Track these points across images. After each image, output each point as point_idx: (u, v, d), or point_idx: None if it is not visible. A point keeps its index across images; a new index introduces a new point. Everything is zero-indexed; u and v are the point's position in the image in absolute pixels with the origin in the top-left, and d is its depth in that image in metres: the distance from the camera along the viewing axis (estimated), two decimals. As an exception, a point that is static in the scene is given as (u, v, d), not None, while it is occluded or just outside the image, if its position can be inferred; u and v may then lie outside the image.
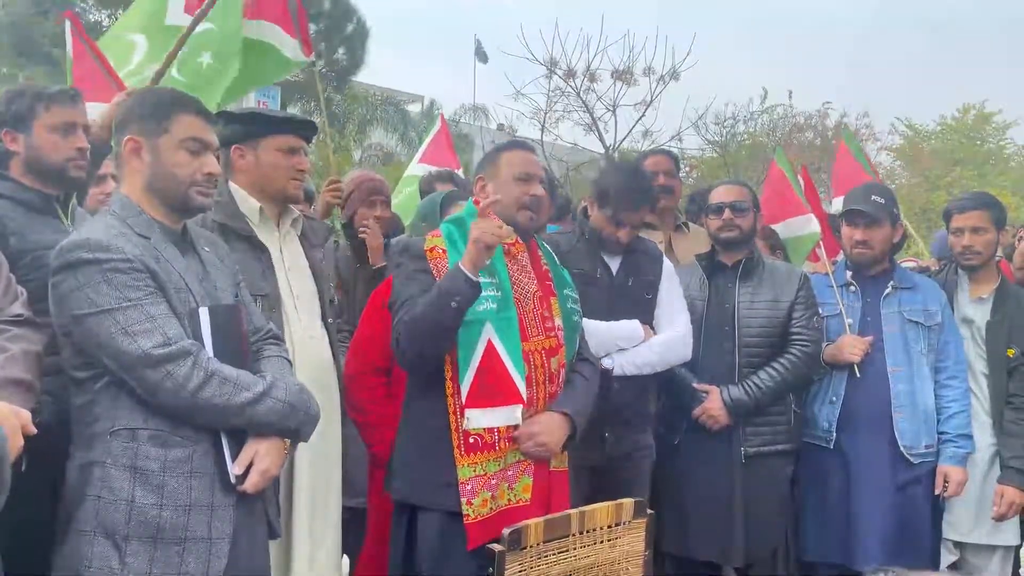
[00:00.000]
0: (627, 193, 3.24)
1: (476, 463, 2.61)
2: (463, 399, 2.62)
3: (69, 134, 2.73)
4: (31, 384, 2.18)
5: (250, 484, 2.21)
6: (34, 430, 2.06)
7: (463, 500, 2.57)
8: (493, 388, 2.63)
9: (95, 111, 3.08)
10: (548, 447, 2.69)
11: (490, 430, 2.63)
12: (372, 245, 3.83)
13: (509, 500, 2.65)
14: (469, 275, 2.53)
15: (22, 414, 2.05)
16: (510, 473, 2.66)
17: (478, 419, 2.62)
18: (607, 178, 3.40)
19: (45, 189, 2.72)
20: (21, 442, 2.03)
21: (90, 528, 2.10)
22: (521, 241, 2.81)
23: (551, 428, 2.70)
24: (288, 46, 4.14)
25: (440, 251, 2.71)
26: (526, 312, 2.72)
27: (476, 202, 2.78)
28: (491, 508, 2.60)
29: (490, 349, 2.63)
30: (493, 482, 2.62)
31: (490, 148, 3.10)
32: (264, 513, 2.38)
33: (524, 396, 2.65)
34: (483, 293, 2.60)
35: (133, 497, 2.10)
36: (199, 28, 3.87)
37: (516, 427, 2.65)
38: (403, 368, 2.76)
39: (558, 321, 2.80)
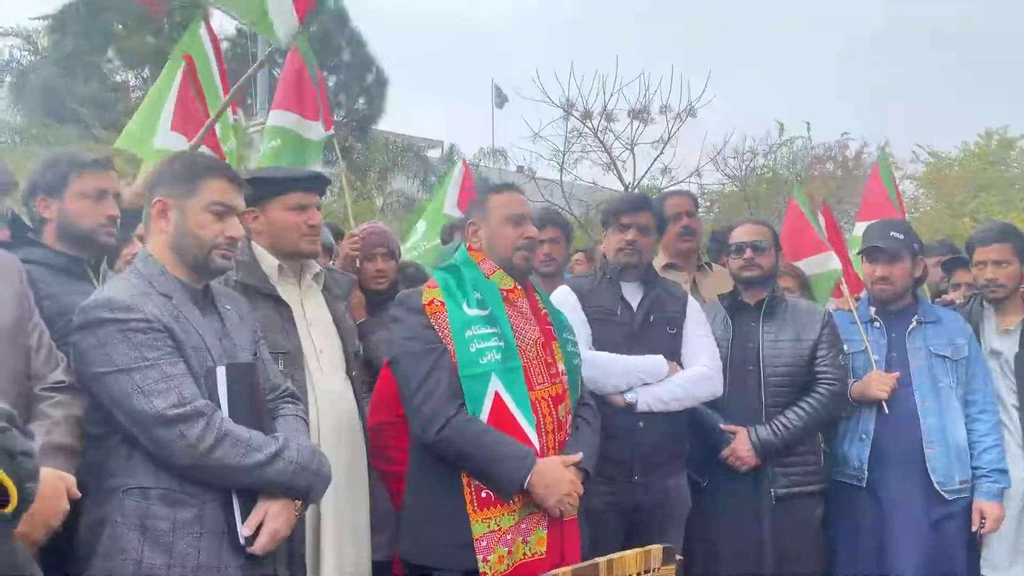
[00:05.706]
0: (623, 199, 3.39)
1: (490, 518, 2.57)
2: None
3: (101, 201, 2.78)
4: (73, 449, 2.20)
5: (259, 546, 2.20)
6: (78, 494, 2.11)
7: (479, 557, 2.53)
8: None
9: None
10: (574, 501, 2.66)
11: None
12: (352, 302, 3.75)
13: (524, 554, 2.60)
14: (514, 489, 2.57)
15: (67, 478, 2.10)
16: (524, 526, 2.62)
17: None
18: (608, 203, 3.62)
19: (76, 253, 2.77)
20: (67, 506, 2.07)
21: None
22: (519, 286, 2.81)
23: (570, 482, 2.66)
24: (310, 129, 4.30)
25: (439, 303, 2.69)
26: (530, 360, 2.70)
27: (469, 248, 2.81)
28: (507, 564, 2.57)
29: (498, 402, 2.61)
30: (508, 537, 2.58)
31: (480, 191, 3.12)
32: (273, 572, 2.34)
33: (536, 447, 2.62)
34: (486, 344, 2.60)
35: (142, 557, 2.10)
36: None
37: None
38: (418, 439, 2.69)
39: (561, 366, 2.78)
